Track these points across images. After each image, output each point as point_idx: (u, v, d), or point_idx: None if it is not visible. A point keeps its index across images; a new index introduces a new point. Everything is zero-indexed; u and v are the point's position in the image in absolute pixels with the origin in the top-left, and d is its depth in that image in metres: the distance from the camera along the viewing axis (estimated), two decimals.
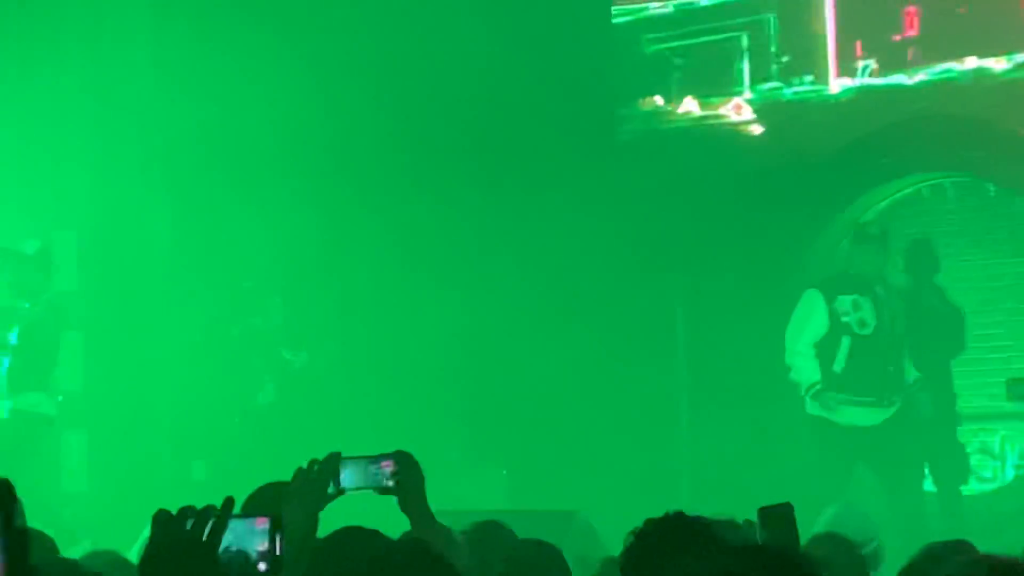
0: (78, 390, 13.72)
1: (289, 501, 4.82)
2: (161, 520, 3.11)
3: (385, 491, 4.93)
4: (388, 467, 4.94)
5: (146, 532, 9.68)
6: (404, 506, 4.92)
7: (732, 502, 6.15)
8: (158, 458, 13.47)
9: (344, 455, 4.99)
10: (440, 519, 5.58)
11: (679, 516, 4.01)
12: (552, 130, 13.02)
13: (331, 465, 4.93)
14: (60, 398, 13.62)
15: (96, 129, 13.42)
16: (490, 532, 5.78)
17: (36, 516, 7.42)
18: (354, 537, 4.45)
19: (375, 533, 4.46)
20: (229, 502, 3.16)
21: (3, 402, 11.84)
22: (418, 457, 5.04)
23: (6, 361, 11.90)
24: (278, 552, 3.23)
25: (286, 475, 4.98)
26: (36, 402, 11.82)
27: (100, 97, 13.39)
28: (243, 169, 13.28)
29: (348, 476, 4.95)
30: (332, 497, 4.93)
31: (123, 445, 13.37)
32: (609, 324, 12.68)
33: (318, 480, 4.90)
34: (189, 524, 3.08)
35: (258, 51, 12.99)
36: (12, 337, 11.81)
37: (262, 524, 3.26)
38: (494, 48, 13.09)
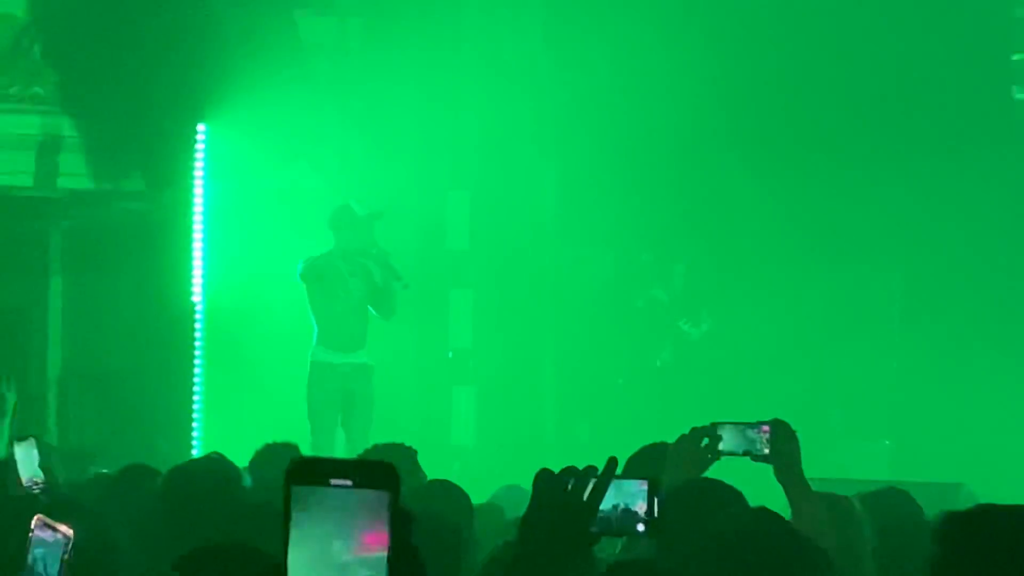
0: (468, 346, 14.09)
1: (670, 465, 4.88)
2: (544, 479, 3.17)
3: (761, 459, 4.94)
4: (765, 434, 4.94)
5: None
6: (779, 475, 4.91)
7: None
8: (543, 416, 13.73)
9: (722, 420, 5.02)
10: (820, 487, 5.54)
11: None
12: (943, 93, 12.71)
13: (710, 432, 4.97)
14: (451, 354, 14.02)
15: (490, 95, 13.70)
16: (890, 501, 5.66)
17: (425, 467, 7.70)
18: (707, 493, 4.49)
19: (731, 492, 4.49)
20: (612, 463, 3.20)
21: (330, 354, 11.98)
22: (800, 426, 5.03)
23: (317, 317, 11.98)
24: (655, 514, 3.26)
25: (666, 439, 5.04)
26: (355, 356, 11.94)
27: (494, 65, 13.66)
28: (637, 137, 13.35)
29: (725, 441, 4.98)
30: (710, 462, 4.97)
31: (510, 402, 13.67)
32: (997, 293, 12.34)
33: (698, 445, 4.95)
34: (571, 484, 3.14)
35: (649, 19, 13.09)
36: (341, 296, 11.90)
37: (642, 486, 3.31)
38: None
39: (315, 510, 2.08)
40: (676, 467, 4.87)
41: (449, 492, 5.71)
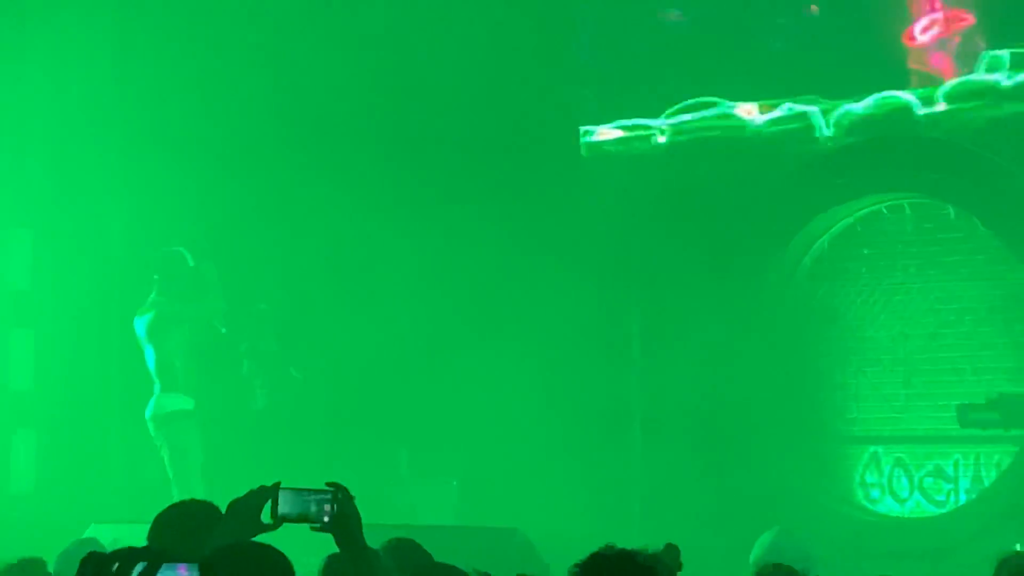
0: (28, 388, 13.62)
1: (227, 520, 4.78)
2: (90, 563, 3.06)
3: (320, 528, 4.90)
4: (325, 503, 4.90)
5: (90, 530, 9.56)
6: (339, 542, 4.90)
7: (680, 525, 6.14)
8: (108, 461, 13.35)
9: (285, 485, 4.95)
10: (390, 534, 5.56)
11: (624, 557, 3.92)
12: (517, 143, 12.96)
13: (271, 494, 4.89)
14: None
15: (56, 127, 13.34)
16: (404, 549, 5.82)
17: None
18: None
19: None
20: (152, 554, 3.10)
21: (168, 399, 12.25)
22: (370, 470, 5.03)
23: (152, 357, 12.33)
24: None
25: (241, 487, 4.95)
26: (179, 401, 12.25)
27: (60, 96, 13.31)
28: (217, 172, 13.16)
29: (285, 507, 4.91)
30: (267, 527, 4.88)
31: (73, 446, 13.25)
32: (565, 341, 12.63)
33: (252, 509, 4.86)
34: (115, 568, 3.04)
35: (217, 45, 12.99)
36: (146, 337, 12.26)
37: (187, 572, 3.21)
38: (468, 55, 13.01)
39: None
40: (231, 524, 4.77)
41: None
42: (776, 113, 12.61)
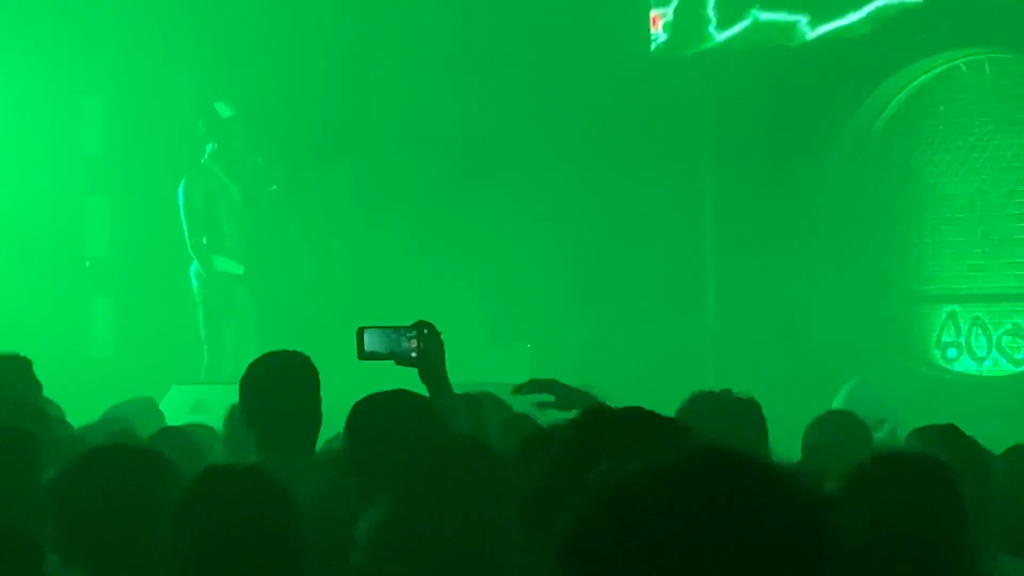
0: (105, 255, 13.71)
1: None
2: None
3: (407, 363, 4.93)
4: (410, 337, 4.91)
5: (172, 392, 9.68)
6: (423, 376, 4.94)
7: (754, 386, 6.12)
8: (184, 326, 13.44)
9: (368, 325, 4.98)
10: (463, 390, 5.59)
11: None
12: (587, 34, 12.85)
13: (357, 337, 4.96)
14: (88, 263, 13.59)
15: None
16: (486, 402, 5.87)
17: (59, 381, 7.43)
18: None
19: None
20: None
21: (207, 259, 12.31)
22: (446, 330, 5.03)
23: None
24: None
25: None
26: (227, 264, 12.31)
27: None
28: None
29: (371, 344, 4.94)
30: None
31: (151, 311, 13.32)
32: (638, 205, 12.58)
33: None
34: None
35: None
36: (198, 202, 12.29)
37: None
38: None
39: None
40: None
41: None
42: None
